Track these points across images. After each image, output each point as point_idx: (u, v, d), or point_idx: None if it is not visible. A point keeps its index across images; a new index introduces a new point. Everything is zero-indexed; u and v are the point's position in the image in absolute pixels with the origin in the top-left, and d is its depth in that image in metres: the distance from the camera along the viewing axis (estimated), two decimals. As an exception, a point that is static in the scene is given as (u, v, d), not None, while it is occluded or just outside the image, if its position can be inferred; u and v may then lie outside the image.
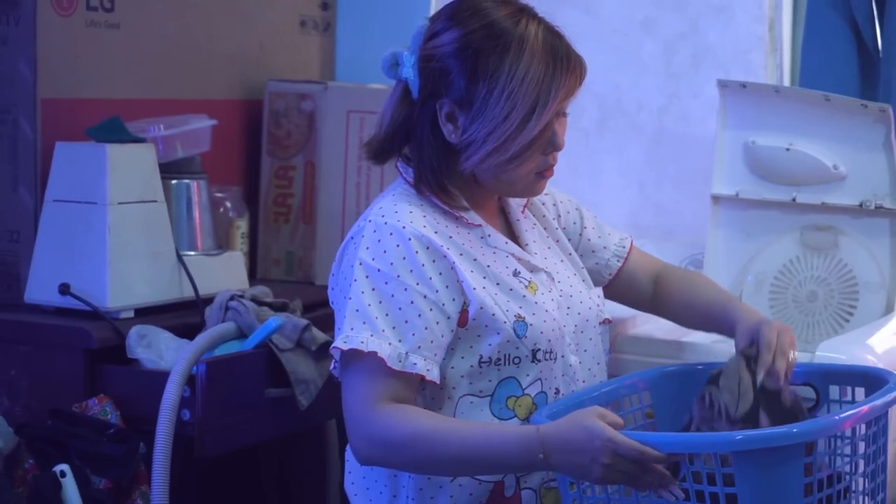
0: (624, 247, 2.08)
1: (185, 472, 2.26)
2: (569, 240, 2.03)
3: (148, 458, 2.18)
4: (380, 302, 1.76)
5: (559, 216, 2.03)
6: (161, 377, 2.21)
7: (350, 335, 1.75)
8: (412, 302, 1.76)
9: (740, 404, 1.74)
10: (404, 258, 1.77)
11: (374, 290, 1.76)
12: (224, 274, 2.56)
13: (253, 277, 2.83)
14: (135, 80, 2.65)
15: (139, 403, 2.26)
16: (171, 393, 2.18)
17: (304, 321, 2.36)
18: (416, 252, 1.78)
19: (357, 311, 1.76)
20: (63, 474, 2.15)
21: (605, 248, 2.06)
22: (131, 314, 2.39)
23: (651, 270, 2.10)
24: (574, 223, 2.05)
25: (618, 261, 2.07)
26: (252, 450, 2.63)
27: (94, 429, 2.22)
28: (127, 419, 2.25)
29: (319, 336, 2.36)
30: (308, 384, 2.34)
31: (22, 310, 2.42)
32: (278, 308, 2.42)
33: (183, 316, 2.44)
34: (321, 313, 2.50)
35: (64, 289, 2.35)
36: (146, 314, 2.40)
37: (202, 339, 2.27)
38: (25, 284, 2.42)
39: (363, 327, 1.75)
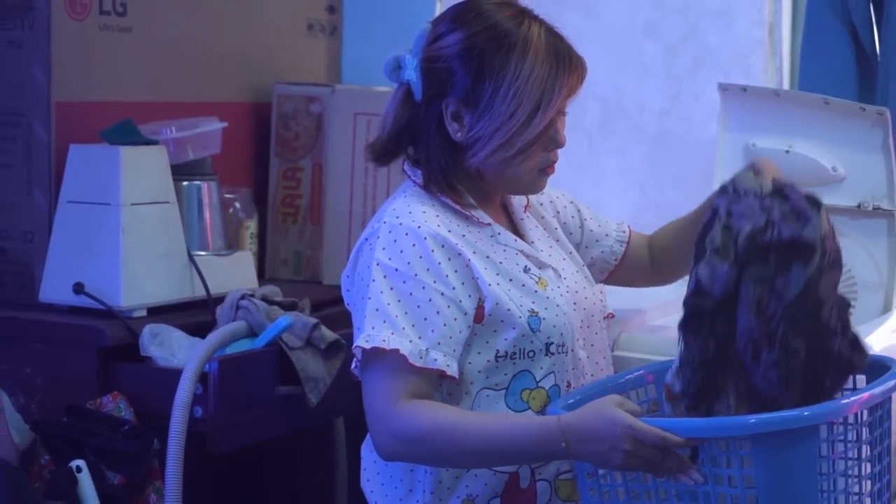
0: (624, 231, 2.14)
1: (197, 468, 2.29)
2: (570, 233, 2.08)
3: (161, 454, 2.21)
4: (398, 301, 1.80)
5: (558, 213, 2.08)
6: (174, 375, 2.23)
7: (371, 334, 1.79)
8: (430, 300, 1.80)
9: (764, 186, 1.77)
10: (421, 257, 1.82)
11: (392, 289, 1.80)
12: (234, 273, 2.59)
13: (262, 277, 2.85)
14: (146, 82, 2.68)
15: (152, 401, 2.28)
16: (184, 390, 2.20)
17: (314, 320, 2.37)
18: (432, 251, 1.82)
19: (377, 310, 1.79)
20: (79, 469, 2.16)
21: (607, 235, 2.12)
22: (144, 313, 2.41)
23: (645, 244, 2.16)
24: (573, 217, 2.10)
25: (621, 246, 2.13)
26: (260, 447, 2.66)
27: (109, 425, 2.24)
28: (140, 416, 2.27)
29: (328, 335, 2.37)
30: (317, 382, 2.36)
31: (37, 309, 2.44)
32: (288, 307, 2.44)
33: (194, 315, 2.47)
34: (329, 312, 2.53)
35: (78, 288, 2.38)
36: (158, 313, 2.42)
37: (214, 337, 2.30)
38: (40, 284, 2.44)
39: (384, 326, 1.78)
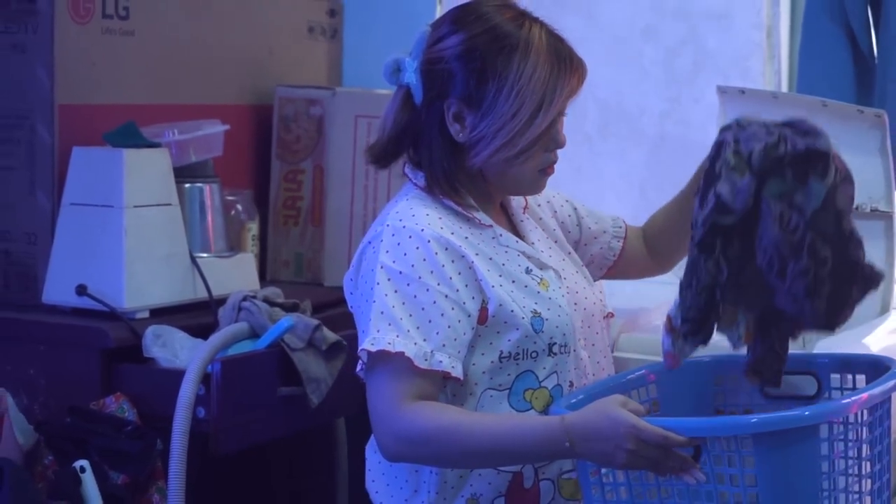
0: (620, 226, 2.16)
1: (200, 468, 2.30)
2: (569, 232, 2.09)
3: (164, 454, 2.22)
4: (403, 303, 1.80)
5: (555, 212, 2.10)
6: (176, 376, 2.24)
7: (377, 337, 1.79)
8: (434, 302, 1.81)
9: (766, 120, 1.78)
10: (425, 259, 1.83)
11: (396, 292, 1.81)
12: (236, 275, 2.60)
13: (263, 279, 2.86)
14: (149, 85, 2.69)
15: (155, 401, 2.29)
16: (187, 391, 2.21)
17: (315, 321, 2.39)
18: (436, 253, 1.83)
19: (382, 313, 1.80)
20: (83, 470, 2.17)
21: (604, 231, 2.14)
22: (147, 314, 2.42)
23: (640, 235, 2.18)
24: (570, 215, 2.12)
25: (618, 241, 2.14)
26: (262, 448, 2.67)
27: (112, 426, 2.25)
28: (143, 417, 2.28)
29: (330, 336, 2.39)
30: (319, 383, 2.37)
31: (40, 310, 2.45)
32: (289, 308, 2.45)
33: (197, 316, 2.48)
34: (330, 314, 2.55)
35: (81, 290, 2.38)
36: (161, 314, 2.43)
37: (216, 338, 2.31)
38: (43, 286, 2.45)
39: (389, 328, 1.79)
